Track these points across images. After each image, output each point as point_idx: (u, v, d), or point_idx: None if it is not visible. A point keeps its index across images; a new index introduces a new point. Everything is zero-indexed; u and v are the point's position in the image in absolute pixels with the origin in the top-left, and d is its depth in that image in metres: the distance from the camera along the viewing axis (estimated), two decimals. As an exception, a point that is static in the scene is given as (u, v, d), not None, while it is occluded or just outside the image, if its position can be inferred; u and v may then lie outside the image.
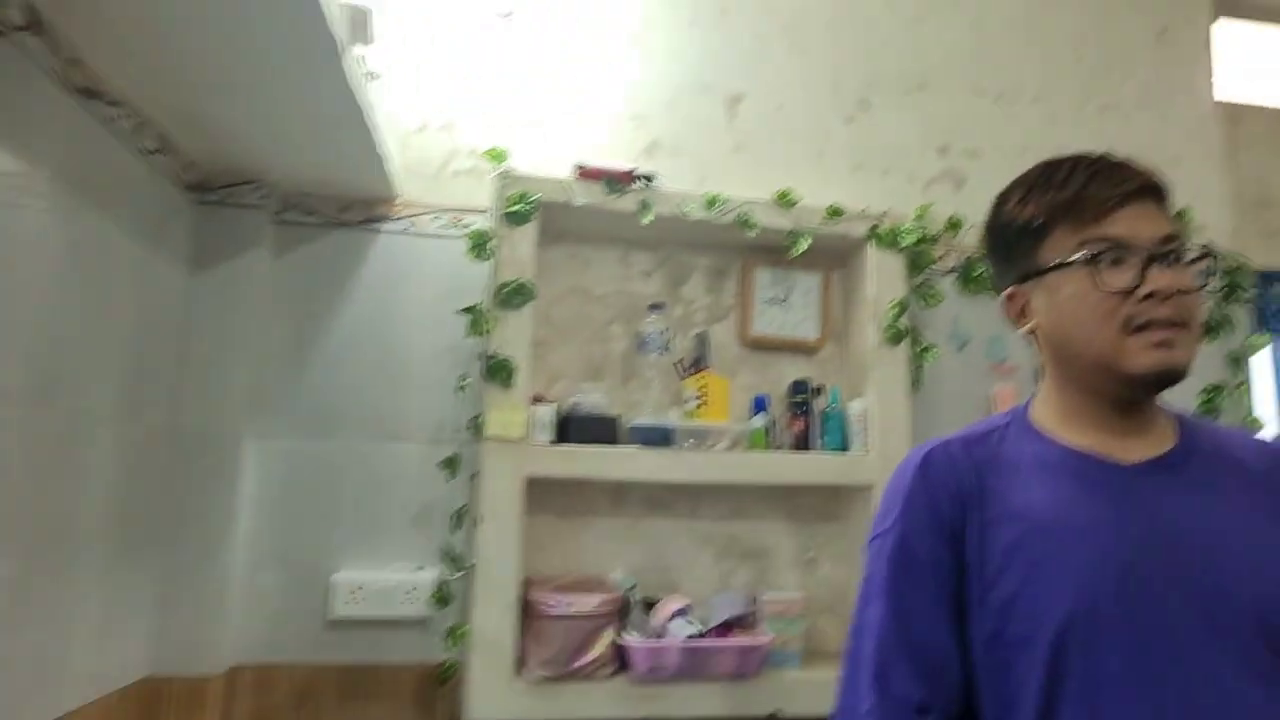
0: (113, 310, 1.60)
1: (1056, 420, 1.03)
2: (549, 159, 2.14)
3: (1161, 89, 2.58)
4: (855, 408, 2.13)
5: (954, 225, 2.35)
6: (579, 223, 2.14)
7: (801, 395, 2.15)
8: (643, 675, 1.81)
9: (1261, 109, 2.67)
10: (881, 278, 2.18)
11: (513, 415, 1.91)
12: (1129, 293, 0.92)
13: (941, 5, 2.51)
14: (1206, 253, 0.97)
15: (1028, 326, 1.04)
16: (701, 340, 2.17)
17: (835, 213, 2.18)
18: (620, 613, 1.90)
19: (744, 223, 2.13)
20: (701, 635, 1.85)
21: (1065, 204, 0.97)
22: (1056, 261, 0.97)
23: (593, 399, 2.02)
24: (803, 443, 2.12)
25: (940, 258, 2.30)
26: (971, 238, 2.35)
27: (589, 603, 1.84)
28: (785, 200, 2.17)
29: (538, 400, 2.00)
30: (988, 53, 2.52)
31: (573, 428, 1.98)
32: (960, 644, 0.96)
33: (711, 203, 2.12)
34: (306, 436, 1.98)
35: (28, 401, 1.33)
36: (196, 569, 1.82)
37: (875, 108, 2.43)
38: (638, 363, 2.11)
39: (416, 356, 2.05)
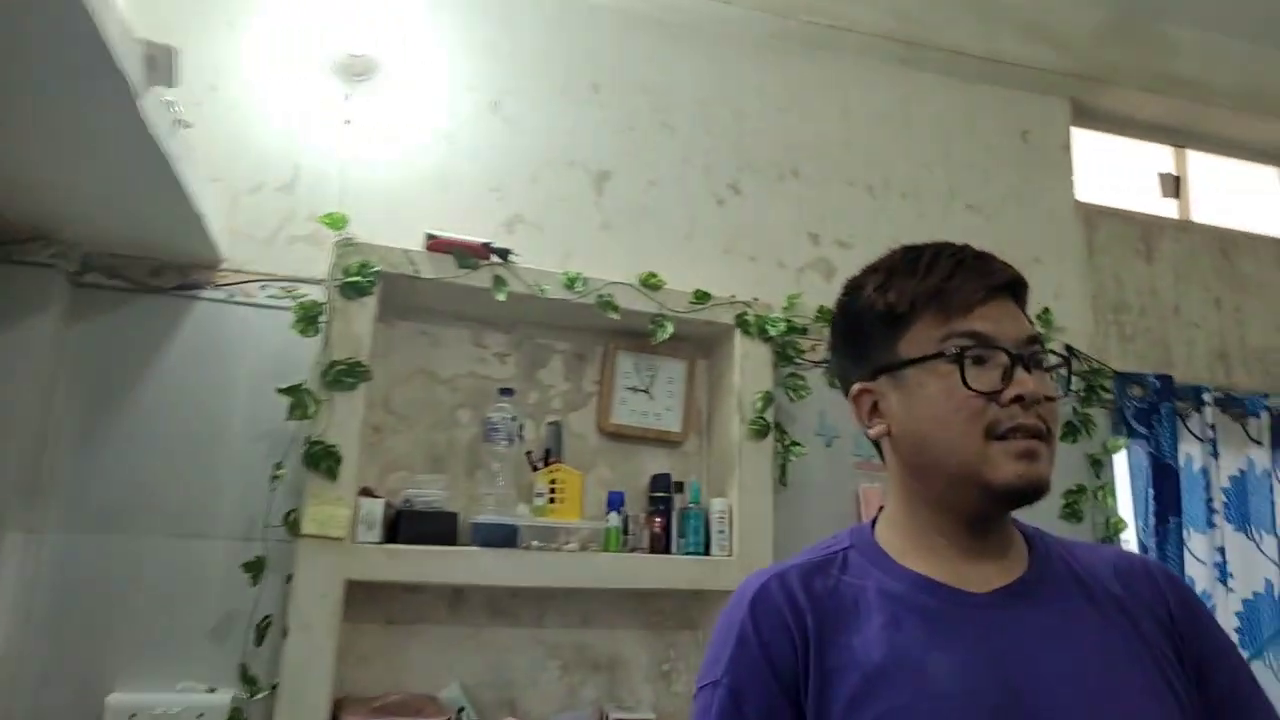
0: None
1: (903, 541, 0.93)
2: (398, 228, 1.97)
3: (1024, 190, 2.62)
4: (717, 506, 2.00)
5: (824, 316, 2.28)
6: (428, 298, 1.98)
7: (661, 491, 2.01)
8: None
9: (1117, 212, 2.75)
10: (748, 367, 2.08)
11: (334, 510, 1.70)
12: (994, 395, 0.84)
13: (812, 95, 2.50)
14: (1068, 359, 0.91)
15: (878, 429, 0.93)
16: (556, 430, 2.01)
17: (702, 297, 2.08)
18: (448, 739, 1.68)
19: (606, 304, 2.01)
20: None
21: (930, 293, 0.88)
22: (920, 355, 0.87)
23: (430, 493, 1.82)
24: (661, 543, 1.97)
25: (809, 349, 2.23)
26: (841, 329, 2.29)
27: (410, 729, 1.61)
28: (651, 282, 2.06)
29: (366, 493, 1.79)
30: (859, 145, 2.51)
31: (405, 525, 1.78)
32: None
33: (571, 282, 1.99)
34: (88, 530, 1.71)
35: None
36: (-72, 694, 1.51)
37: (746, 192, 2.37)
38: (485, 453, 1.93)
39: (228, 441, 1.82)
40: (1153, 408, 2.47)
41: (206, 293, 1.88)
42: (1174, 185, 2.94)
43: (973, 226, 2.51)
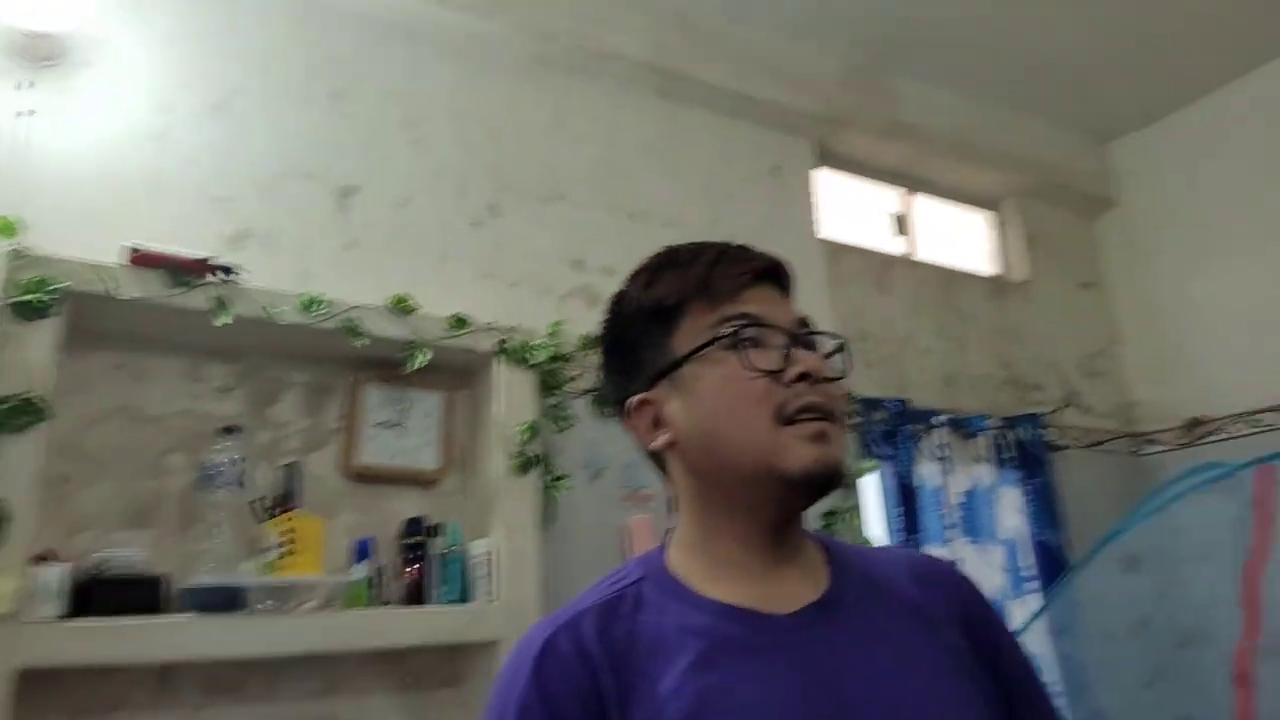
0: None
1: (699, 566, 0.85)
2: (95, 240, 1.65)
3: (775, 223, 2.71)
4: (479, 548, 1.84)
5: (588, 344, 2.20)
6: (130, 323, 1.68)
7: (416, 536, 1.82)
8: None
9: (856, 248, 2.92)
10: (510, 398, 1.95)
11: (-3, 583, 1.36)
12: (777, 375, 0.80)
13: (576, 119, 2.45)
14: (842, 343, 0.88)
15: (662, 440, 0.85)
16: (291, 473, 1.77)
17: (459, 323, 1.93)
18: None
19: (351, 330, 1.80)
20: None
21: (696, 282, 0.85)
22: (694, 346, 0.83)
23: (127, 553, 1.53)
24: (416, 594, 1.78)
25: (574, 378, 2.14)
26: (606, 358, 2.22)
27: None
28: (402, 306, 1.89)
29: (43, 559, 1.46)
30: (622, 172, 2.48)
31: (97, 594, 1.48)
32: None
33: (310, 305, 1.77)
34: None
35: None
36: None
37: (507, 214, 2.25)
38: (201, 503, 1.65)
39: None
40: (894, 431, 2.62)
41: None
42: (902, 225, 3.18)
43: (730, 257, 2.55)
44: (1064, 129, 3.40)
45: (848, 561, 0.89)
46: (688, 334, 0.84)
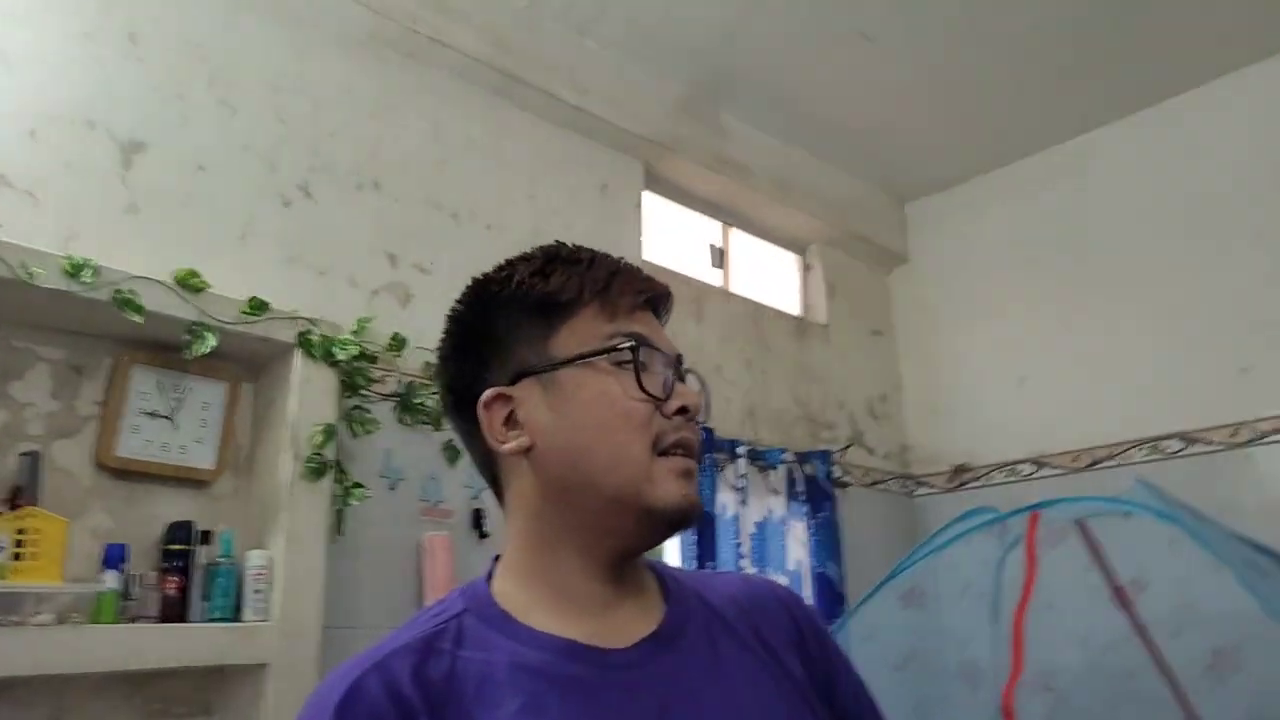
0: None
1: (529, 593, 0.78)
2: None
3: (600, 240, 2.61)
4: (255, 560, 1.66)
5: (397, 344, 2.06)
6: None
7: (181, 543, 1.61)
8: None
9: (676, 275, 2.94)
10: (308, 395, 1.78)
11: None
12: (661, 402, 0.77)
13: (404, 106, 2.30)
14: (704, 384, 0.84)
15: (518, 443, 0.77)
16: (33, 462, 1.52)
17: (258, 307, 1.75)
18: None
19: (126, 303, 1.59)
20: None
21: (598, 285, 0.80)
22: (582, 351, 0.77)
23: None
24: (177, 609, 1.57)
25: (379, 379, 1.99)
26: (416, 361, 2.09)
27: None
28: (191, 283, 1.69)
29: None
30: (447, 167, 2.36)
31: None
32: None
33: (77, 269, 1.54)
34: None
35: None
36: None
37: (319, 196, 2.08)
38: (-92, 492, 1.37)
39: None
40: (698, 459, 2.64)
41: None
42: (720, 257, 3.25)
43: (553, 269, 2.49)
44: (869, 185, 3.62)
45: (683, 589, 0.85)
46: (575, 337, 0.78)
